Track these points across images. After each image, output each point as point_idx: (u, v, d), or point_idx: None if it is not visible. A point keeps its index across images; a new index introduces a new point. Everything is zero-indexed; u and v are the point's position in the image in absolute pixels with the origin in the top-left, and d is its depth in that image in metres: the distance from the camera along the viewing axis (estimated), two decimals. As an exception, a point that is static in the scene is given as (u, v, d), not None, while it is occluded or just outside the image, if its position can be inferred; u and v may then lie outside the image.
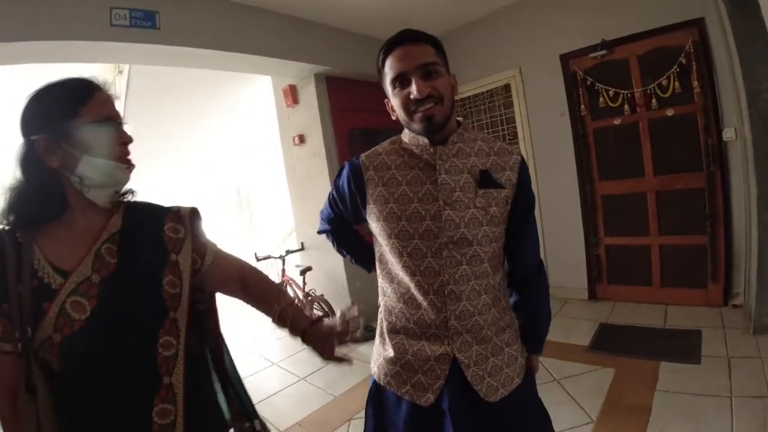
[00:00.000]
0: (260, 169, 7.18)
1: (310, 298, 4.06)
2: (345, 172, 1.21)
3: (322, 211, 1.41)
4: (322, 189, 4.09)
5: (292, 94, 4.17)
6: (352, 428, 2.46)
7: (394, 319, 1.17)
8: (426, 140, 1.09)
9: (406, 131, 1.16)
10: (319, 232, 1.48)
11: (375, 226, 1.15)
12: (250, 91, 5.65)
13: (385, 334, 1.19)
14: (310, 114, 4.10)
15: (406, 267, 1.10)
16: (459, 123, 1.15)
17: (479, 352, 1.09)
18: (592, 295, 3.83)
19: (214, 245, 1.05)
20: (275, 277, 4.67)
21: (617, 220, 3.68)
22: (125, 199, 0.96)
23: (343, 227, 1.39)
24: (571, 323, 3.39)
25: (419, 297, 1.10)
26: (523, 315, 1.23)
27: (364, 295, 4.18)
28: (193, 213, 1.01)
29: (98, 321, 0.81)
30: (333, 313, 3.81)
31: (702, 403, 2.11)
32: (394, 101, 1.09)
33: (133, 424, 0.84)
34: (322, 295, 4.01)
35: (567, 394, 2.37)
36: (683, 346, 2.72)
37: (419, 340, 1.12)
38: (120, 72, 4.78)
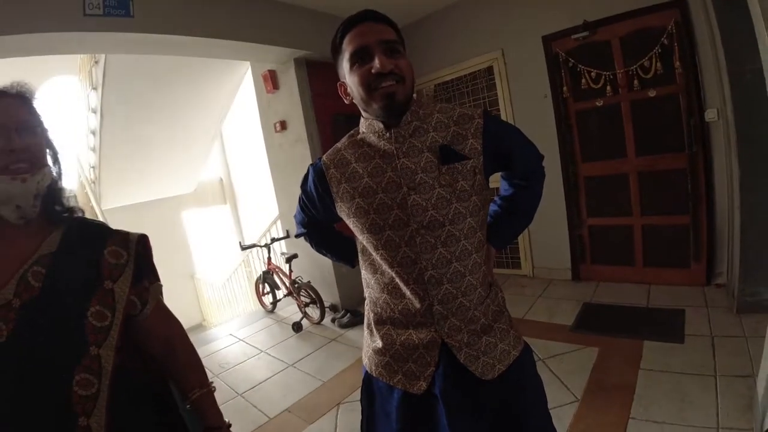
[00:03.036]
0: (243, 157, 7.10)
1: (296, 285, 4.05)
2: (310, 176, 1.19)
3: (295, 216, 1.39)
4: (306, 175, 4.06)
5: (272, 80, 4.09)
6: (341, 412, 2.48)
7: (379, 310, 1.16)
8: (381, 125, 1.06)
9: (362, 120, 1.12)
10: (297, 236, 1.43)
11: (348, 222, 1.14)
12: (231, 78, 5.54)
13: (372, 326, 1.19)
14: (291, 100, 4.03)
15: (384, 259, 1.09)
16: (420, 99, 1.10)
17: (470, 333, 1.08)
18: (576, 276, 3.89)
19: (157, 290, 0.97)
20: (261, 266, 4.66)
21: (600, 200, 3.72)
22: (73, 216, 0.90)
23: (319, 228, 1.36)
24: (555, 303, 3.45)
25: (402, 287, 1.08)
26: (504, 205, 1.25)
27: (350, 281, 4.20)
28: (142, 240, 0.94)
29: (12, 349, 0.75)
30: (320, 299, 3.82)
31: (686, 382, 2.14)
32: (352, 80, 1.02)
33: None
34: (309, 282, 4.01)
35: (551, 373, 2.42)
36: (666, 325, 2.76)
37: (406, 329, 1.11)
38: (96, 62, 4.63)
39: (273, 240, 4.51)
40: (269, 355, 3.48)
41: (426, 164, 1.04)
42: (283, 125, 4.17)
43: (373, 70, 0.97)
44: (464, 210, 1.05)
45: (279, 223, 4.95)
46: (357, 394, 2.58)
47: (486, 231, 1.14)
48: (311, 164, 1.21)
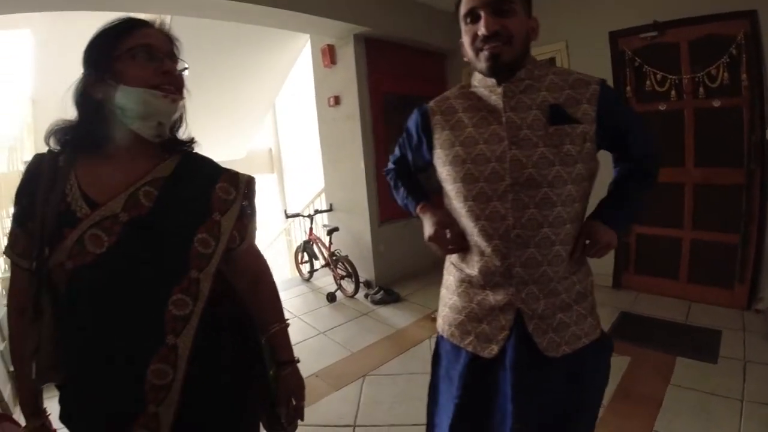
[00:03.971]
0: (293, 129, 7.25)
1: (335, 257, 4.17)
2: (414, 116, 1.22)
3: (390, 157, 1.42)
4: (355, 151, 4.13)
5: (330, 54, 4.14)
6: (366, 383, 2.57)
7: (459, 268, 1.17)
8: (492, 80, 1.05)
9: (475, 73, 1.11)
10: (385, 172, 1.46)
11: (441, 171, 1.14)
12: (290, 49, 5.64)
13: (451, 284, 1.20)
14: (347, 75, 4.08)
15: (470, 212, 1.07)
16: (535, 59, 1.07)
17: (547, 306, 1.05)
18: (617, 283, 3.78)
19: (253, 232, 1.03)
20: (303, 235, 4.80)
21: (652, 208, 3.57)
22: (185, 148, 0.96)
23: (406, 169, 1.37)
24: (592, 306, 3.39)
25: (483, 243, 1.07)
26: (616, 185, 1.19)
27: (387, 259, 4.28)
28: (250, 182, 0.98)
29: (111, 260, 0.80)
30: (356, 274, 3.92)
31: (713, 403, 2.11)
32: (464, 38, 1.04)
33: (124, 378, 0.82)
34: (346, 256, 4.11)
35: (579, 373, 2.41)
36: (702, 344, 2.70)
37: (483, 289, 1.10)
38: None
39: (317, 211, 4.64)
40: (302, 320, 3.63)
41: (533, 121, 1.01)
42: (337, 100, 4.23)
43: (478, 32, 0.97)
44: (566, 175, 1.00)
45: (323, 195, 5.06)
46: (383, 368, 2.70)
47: (586, 208, 1.11)
48: (418, 107, 1.22)
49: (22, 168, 4.96)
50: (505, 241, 1.04)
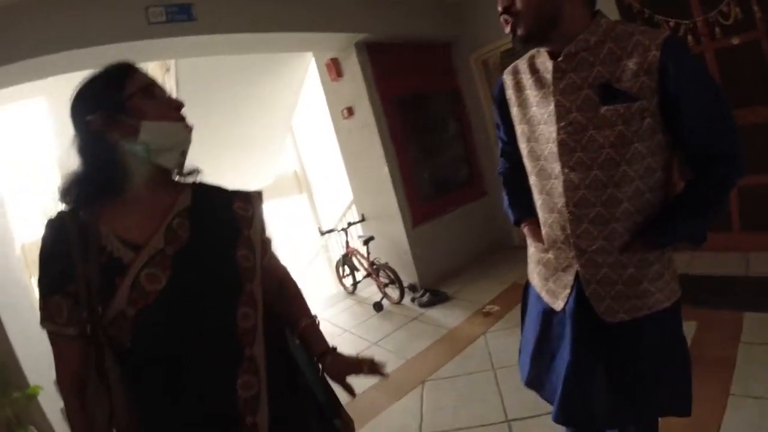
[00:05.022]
0: (314, 147, 7.32)
1: (375, 266, 4.15)
2: (495, 90, 1.28)
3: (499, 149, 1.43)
4: (376, 158, 4.11)
5: (335, 68, 4.15)
6: (427, 390, 2.52)
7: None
8: (545, 54, 1.06)
9: None
10: (498, 173, 1.47)
11: (518, 144, 1.22)
12: (297, 71, 5.70)
13: (530, 244, 1.31)
14: (355, 85, 4.07)
15: (534, 186, 1.18)
16: (594, 21, 1.00)
17: (608, 275, 1.09)
18: (671, 245, 3.58)
19: (271, 241, 1.06)
20: (341, 249, 4.81)
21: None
22: (192, 180, 0.97)
23: (511, 167, 1.36)
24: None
25: (545, 214, 1.17)
26: (681, 194, 1.07)
27: (426, 261, 4.22)
28: (260, 196, 1.02)
29: (174, 291, 0.81)
30: (399, 279, 3.88)
31: None
32: None
33: (217, 399, 0.84)
34: (387, 263, 4.08)
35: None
36: (767, 295, 2.52)
37: (547, 252, 1.20)
38: (167, 70, 4.99)
39: (349, 224, 4.63)
40: (352, 333, 3.62)
41: (583, 103, 1.00)
42: (350, 111, 4.23)
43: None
44: (617, 157, 0.99)
45: (354, 206, 5.07)
46: (442, 372, 2.64)
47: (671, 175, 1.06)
48: (500, 77, 1.27)
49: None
50: (563, 215, 1.10)
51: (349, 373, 1.03)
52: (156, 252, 0.82)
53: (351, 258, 4.55)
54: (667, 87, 0.92)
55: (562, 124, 1.03)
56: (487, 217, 4.82)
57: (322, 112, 5.02)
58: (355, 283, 4.65)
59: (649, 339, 1.12)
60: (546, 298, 1.23)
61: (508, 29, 1.01)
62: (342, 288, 4.88)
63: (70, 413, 0.84)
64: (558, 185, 1.09)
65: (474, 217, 4.72)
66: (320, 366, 1.04)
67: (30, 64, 2.42)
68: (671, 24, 3.13)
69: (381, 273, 4.12)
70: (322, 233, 4.70)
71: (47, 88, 5.27)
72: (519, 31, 0.99)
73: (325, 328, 4.12)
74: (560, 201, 1.09)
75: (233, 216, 0.94)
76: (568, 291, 1.15)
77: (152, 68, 5.62)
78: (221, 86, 4.75)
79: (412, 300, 3.94)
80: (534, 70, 1.11)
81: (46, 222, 0.83)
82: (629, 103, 0.95)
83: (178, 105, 0.88)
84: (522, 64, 1.17)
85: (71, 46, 2.44)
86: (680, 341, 1.18)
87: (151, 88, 0.86)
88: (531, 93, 1.12)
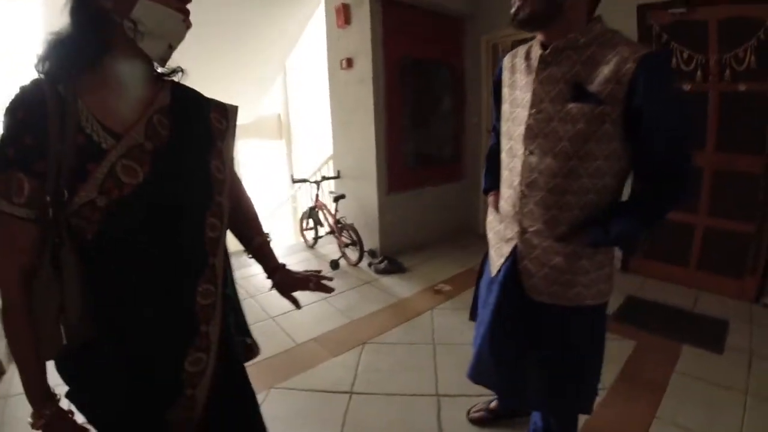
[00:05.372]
0: (303, 94, 7.10)
1: (340, 225, 4.11)
2: (497, 71, 1.36)
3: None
4: (366, 117, 4.00)
5: (344, 13, 3.97)
6: (365, 352, 2.54)
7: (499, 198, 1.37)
8: (538, 44, 1.15)
9: None
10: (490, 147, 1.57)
11: None
12: (304, 7, 5.44)
13: (489, 213, 1.45)
14: (361, 37, 3.91)
15: (502, 161, 1.30)
16: (593, 26, 1.08)
17: (539, 256, 1.19)
18: (625, 266, 3.70)
19: (234, 158, 1.04)
20: (309, 201, 4.74)
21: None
22: (173, 77, 0.91)
23: (495, 143, 1.46)
24: (599, 286, 3.32)
25: (504, 189, 1.29)
26: (630, 197, 1.16)
27: (392, 230, 4.21)
28: (235, 111, 0.98)
29: (150, 189, 0.76)
30: (361, 242, 3.86)
31: (717, 394, 2.09)
32: None
33: (176, 304, 0.83)
34: (352, 224, 4.04)
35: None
36: (708, 334, 2.66)
37: (500, 223, 1.33)
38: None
39: (323, 178, 4.55)
40: (304, 286, 3.59)
41: (556, 95, 1.09)
42: (350, 63, 4.08)
43: None
44: (572, 152, 1.07)
45: (331, 162, 4.97)
46: (384, 337, 2.67)
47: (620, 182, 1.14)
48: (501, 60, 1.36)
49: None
50: (516, 193, 1.21)
51: (297, 288, 1.10)
52: (135, 144, 0.77)
53: (317, 212, 4.49)
54: (633, 99, 0.99)
55: (533, 110, 1.13)
56: (460, 201, 4.84)
57: (320, 59, 4.83)
58: (316, 238, 4.61)
59: (568, 330, 1.21)
60: (490, 264, 1.38)
61: (514, 8, 1.08)
62: (303, 240, 4.83)
63: (10, 308, 0.75)
64: (518, 165, 1.19)
65: (448, 197, 4.72)
66: (271, 280, 1.11)
67: None
68: (685, 55, 3.15)
69: (344, 232, 4.09)
70: (294, 181, 4.60)
71: None
72: (523, 13, 1.06)
73: (278, 273, 4.08)
74: (516, 180, 1.21)
75: (209, 126, 0.91)
76: (503, 260, 1.28)
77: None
78: (224, 6, 4.46)
79: (369, 265, 3.94)
80: (528, 57, 1.20)
81: (19, 88, 0.73)
82: (594, 105, 1.03)
83: None
84: (521, 49, 1.25)
85: None
86: (597, 342, 1.27)
87: None
88: (520, 77, 1.21)
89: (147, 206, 0.76)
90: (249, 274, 3.78)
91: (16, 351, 0.77)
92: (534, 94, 1.12)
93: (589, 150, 1.05)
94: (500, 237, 1.32)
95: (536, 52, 1.14)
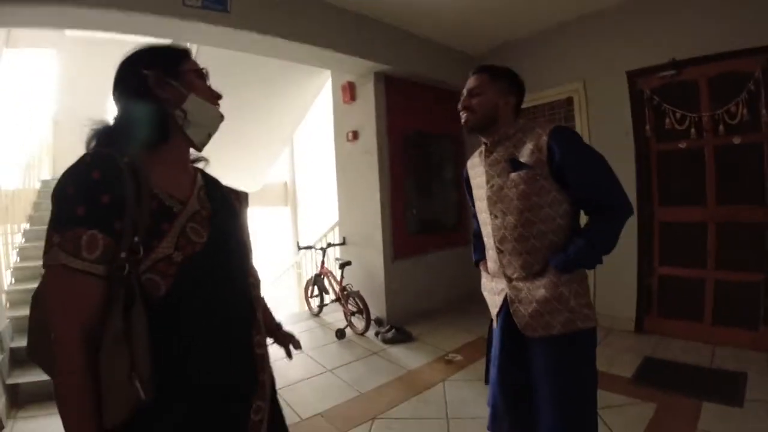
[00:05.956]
0: (310, 163, 7.34)
1: (346, 292, 4.07)
2: (464, 172, 1.74)
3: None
4: (371, 185, 4.12)
5: (350, 91, 4.22)
6: (375, 427, 2.42)
7: (485, 267, 1.65)
8: (483, 141, 1.55)
9: None
10: (474, 235, 1.81)
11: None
12: (311, 85, 5.78)
13: (483, 275, 1.68)
14: (366, 111, 4.13)
15: (483, 232, 1.61)
16: (518, 122, 1.51)
17: (526, 295, 1.42)
18: (639, 327, 3.61)
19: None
20: (314, 268, 4.73)
21: (674, 249, 3.45)
22: (200, 165, 1.04)
23: (477, 226, 1.73)
24: (615, 354, 3.21)
25: (488, 252, 1.60)
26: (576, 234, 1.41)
27: (399, 298, 4.17)
28: (246, 196, 1.11)
29: (213, 247, 0.86)
30: (367, 310, 3.81)
31: None
32: None
33: (241, 353, 0.90)
34: (358, 291, 4.01)
35: (605, 425, 2.24)
36: (727, 388, 2.58)
37: (491, 281, 1.59)
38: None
39: (329, 245, 4.59)
40: (309, 356, 3.50)
41: (501, 171, 1.46)
42: (355, 135, 4.27)
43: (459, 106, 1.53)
44: (521, 206, 1.40)
45: (337, 229, 5.03)
46: (393, 412, 2.56)
47: (569, 221, 1.42)
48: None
49: (37, 186, 5.02)
50: (495, 251, 1.52)
51: (293, 340, 1.27)
52: (195, 211, 0.88)
53: (323, 279, 4.48)
54: (553, 159, 1.34)
55: (489, 185, 1.49)
56: (466, 266, 4.81)
57: (326, 131, 5.06)
58: (321, 305, 4.55)
59: (567, 357, 1.39)
60: (492, 320, 1.61)
61: (463, 121, 1.50)
62: (307, 308, 4.76)
63: (68, 369, 0.71)
64: (489, 229, 1.52)
65: (454, 263, 4.72)
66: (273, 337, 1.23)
67: (54, 11, 2.41)
68: (677, 115, 3.28)
69: (350, 300, 4.04)
70: (300, 248, 4.64)
71: (60, 42, 5.23)
72: (471, 123, 1.48)
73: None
74: (490, 241, 1.53)
75: (231, 205, 1.03)
76: (497, 310, 1.54)
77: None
78: (237, 83, 4.75)
79: (376, 334, 3.86)
80: (480, 154, 1.58)
81: (88, 155, 0.78)
82: (527, 170, 1.38)
83: (218, 95, 0.99)
84: (476, 153, 1.63)
85: (103, 3, 2.42)
86: (591, 367, 1.44)
87: (203, 73, 0.97)
88: (477, 169, 1.58)
89: (214, 262, 0.86)
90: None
91: (69, 417, 0.72)
92: (487, 174, 1.50)
93: (534, 203, 1.38)
94: (493, 292, 1.57)
95: (482, 148, 1.55)
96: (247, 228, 1.04)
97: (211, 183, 1.01)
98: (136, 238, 0.75)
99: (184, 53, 0.96)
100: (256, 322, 0.94)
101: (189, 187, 0.93)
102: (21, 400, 2.82)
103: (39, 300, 0.82)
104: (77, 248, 0.72)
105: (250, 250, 1.02)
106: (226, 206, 0.99)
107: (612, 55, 3.63)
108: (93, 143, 0.85)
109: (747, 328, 3.10)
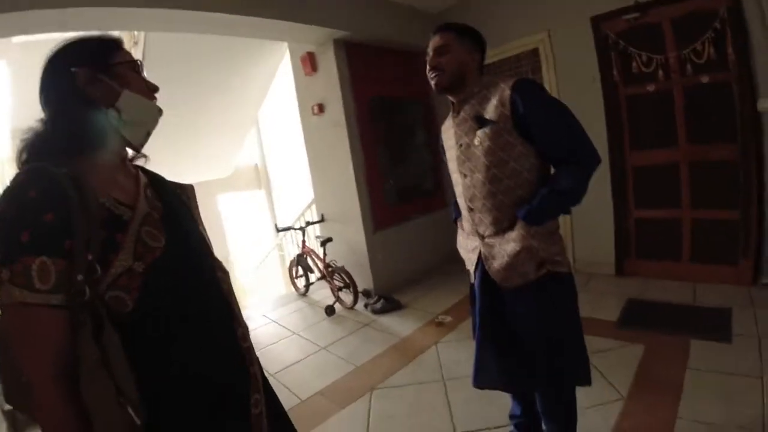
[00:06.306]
0: (278, 142, 7.15)
1: (330, 269, 4.05)
2: (439, 136, 1.74)
3: None
4: (343, 158, 4.03)
5: (310, 62, 4.06)
6: (375, 398, 2.45)
7: (461, 224, 1.69)
8: (451, 100, 1.54)
9: None
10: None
11: None
12: (269, 60, 5.55)
13: (459, 233, 1.71)
14: (329, 82, 3.99)
15: (455, 189, 1.62)
16: (482, 79, 1.50)
17: (498, 251, 1.46)
18: (620, 270, 3.71)
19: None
20: (296, 248, 4.68)
21: (648, 191, 3.52)
22: (138, 163, 0.96)
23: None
24: (598, 298, 3.30)
25: (462, 212, 1.63)
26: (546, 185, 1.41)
27: (383, 268, 4.17)
28: (192, 188, 1.05)
29: (174, 249, 0.81)
30: (354, 284, 3.80)
31: (733, 383, 2.06)
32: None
33: (229, 351, 0.87)
34: (343, 266, 3.99)
35: (596, 369, 2.31)
36: (714, 324, 2.65)
37: (466, 238, 1.62)
38: (135, 43, 4.72)
39: (308, 223, 4.52)
40: (301, 337, 3.49)
41: (468, 129, 1.47)
42: (321, 108, 4.14)
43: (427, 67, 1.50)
44: (487, 162, 1.41)
45: (314, 206, 4.95)
46: (391, 380, 2.58)
47: (536, 175, 1.43)
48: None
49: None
50: (468, 210, 1.54)
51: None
52: (146, 213, 0.82)
53: (306, 258, 4.43)
54: (517, 113, 1.35)
55: (458, 145, 1.50)
56: (447, 229, 4.82)
57: (291, 107, 4.90)
58: (307, 285, 4.53)
59: (546, 301, 1.43)
60: (469, 278, 1.65)
61: (433, 82, 1.48)
62: (294, 289, 4.73)
63: (47, 407, 0.66)
64: (461, 188, 1.54)
65: (435, 227, 4.72)
66: None
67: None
68: (644, 58, 3.27)
69: (336, 276, 4.02)
70: (279, 230, 4.55)
71: (8, 53, 4.87)
72: (441, 83, 1.46)
73: (274, 329, 3.99)
74: (461, 200, 1.57)
75: (181, 199, 0.98)
76: (473, 267, 1.57)
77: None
78: (190, 68, 4.52)
79: (366, 306, 3.87)
80: (450, 116, 1.58)
81: (21, 174, 0.70)
82: (492, 126, 1.38)
83: (154, 88, 0.91)
84: (448, 117, 1.62)
85: (39, 4, 2.23)
86: (571, 311, 1.49)
87: (136, 65, 0.88)
88: (449, 132, 1.59)
89: (177, 265, 0.81)
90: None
91: None
92: (456, 134, 1.51)
93: (500, 158, 1.39)
94: (468, 250, 1.61)
95: (451, 109, 1.56)
96: (201, 221, 0.99)
97: (156, 180, 0.94)
98: (90, 257, 0.68)
99: (115, 44, 0.87)
100: (235, 316, 0.91)
101: (134, 189, 0.86)
102: (19, 426, 2.74)
103: (1, 342, 0.73)
104: (29, 280, 0.65)
105: (210, 243, 0.97)
106: (177, 203, 0.93)
107: (575, 2, 3.56)
108: (24, 156, 0.77)
109: (726, 263, 3.20)
